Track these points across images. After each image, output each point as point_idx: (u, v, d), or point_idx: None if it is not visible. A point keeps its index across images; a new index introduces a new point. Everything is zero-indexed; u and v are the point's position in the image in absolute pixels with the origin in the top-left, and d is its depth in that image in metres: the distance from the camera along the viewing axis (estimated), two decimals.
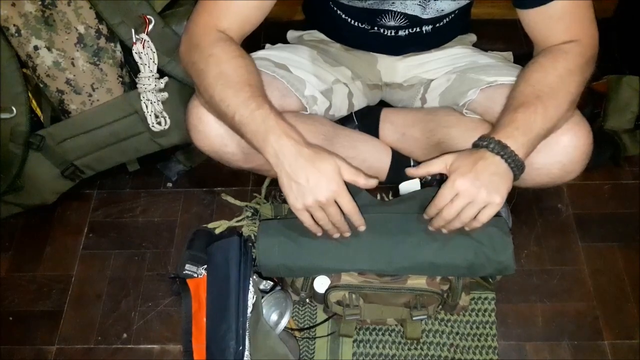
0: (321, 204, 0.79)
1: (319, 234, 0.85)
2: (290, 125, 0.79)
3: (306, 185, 0.77)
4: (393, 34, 1.00)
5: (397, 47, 1.06)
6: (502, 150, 0.77)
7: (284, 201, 1.19)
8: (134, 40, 1.04)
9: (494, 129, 0.81)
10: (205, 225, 1.17)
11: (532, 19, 0.86)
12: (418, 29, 0.99)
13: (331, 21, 1.03)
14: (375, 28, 1.00)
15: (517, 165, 0.78)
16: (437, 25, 1.00)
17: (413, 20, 0.96)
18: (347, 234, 0.86)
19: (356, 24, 1.00)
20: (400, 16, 0.95)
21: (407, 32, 1.00)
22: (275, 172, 0.79)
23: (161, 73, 1.08)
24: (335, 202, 0.80)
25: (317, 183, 0.77)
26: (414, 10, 0.93)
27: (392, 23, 0.97)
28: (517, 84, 0.85)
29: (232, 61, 0.82)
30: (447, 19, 0.99)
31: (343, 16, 1.00)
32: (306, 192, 0.77)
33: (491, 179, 0.77)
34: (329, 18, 1.03)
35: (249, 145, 0.81)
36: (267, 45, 1.08)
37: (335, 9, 1.00)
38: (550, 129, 0.81)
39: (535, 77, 0.83)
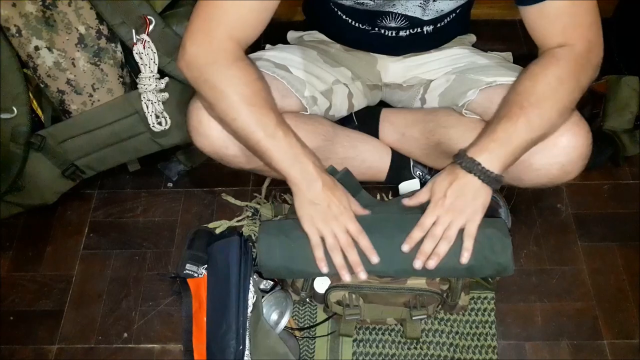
0: (335, 228, 0.85)
1: (323, 265, 0.87)
2: (311, 150, 0.85)
3: (324, 209, 0.84)
4: (394, 34, 1.00)
5: (398, 47, 1.06)
6: (474, 168, 0.81)
7: (284, 201, 1.20)
8: (135, 41, 1.04)
9: (475, 140, 0.84)
10: (205, 225, 1.18)
11: (530, 17, 0.86)
12: (419, 30, 0.99)
13: (331, 22, 1.03)
14: (376, 29, 1.00)
15: (490, 180, 0.81)
16: (438, 25, 1.00)
17: (413, 22, 0.96)
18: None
19: (357, 24, 1.00)
20: (400, 18, 0.95)
21: (407, 32, 1.00)
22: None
23: (162, 73, 1.08)
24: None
25: (333, 208, 0.84)
26: (414, 12, 0.93)
27: (392, 24, 0.97)
28: (508, 92, 0.86)
29: (252, 85, 0.83)
30: (448, 19, 0.99)
31: (344, 17, 1.00)
32: (324, 216, 0.84)
33: (464, 201, 0.83)
34: (330, 19, 1.03)
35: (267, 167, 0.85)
36: (267, 45, 1.08)
37: (335, 10, 1.00)
38: (536, 139, 0.82)
39: (523, 86, 0.84)
